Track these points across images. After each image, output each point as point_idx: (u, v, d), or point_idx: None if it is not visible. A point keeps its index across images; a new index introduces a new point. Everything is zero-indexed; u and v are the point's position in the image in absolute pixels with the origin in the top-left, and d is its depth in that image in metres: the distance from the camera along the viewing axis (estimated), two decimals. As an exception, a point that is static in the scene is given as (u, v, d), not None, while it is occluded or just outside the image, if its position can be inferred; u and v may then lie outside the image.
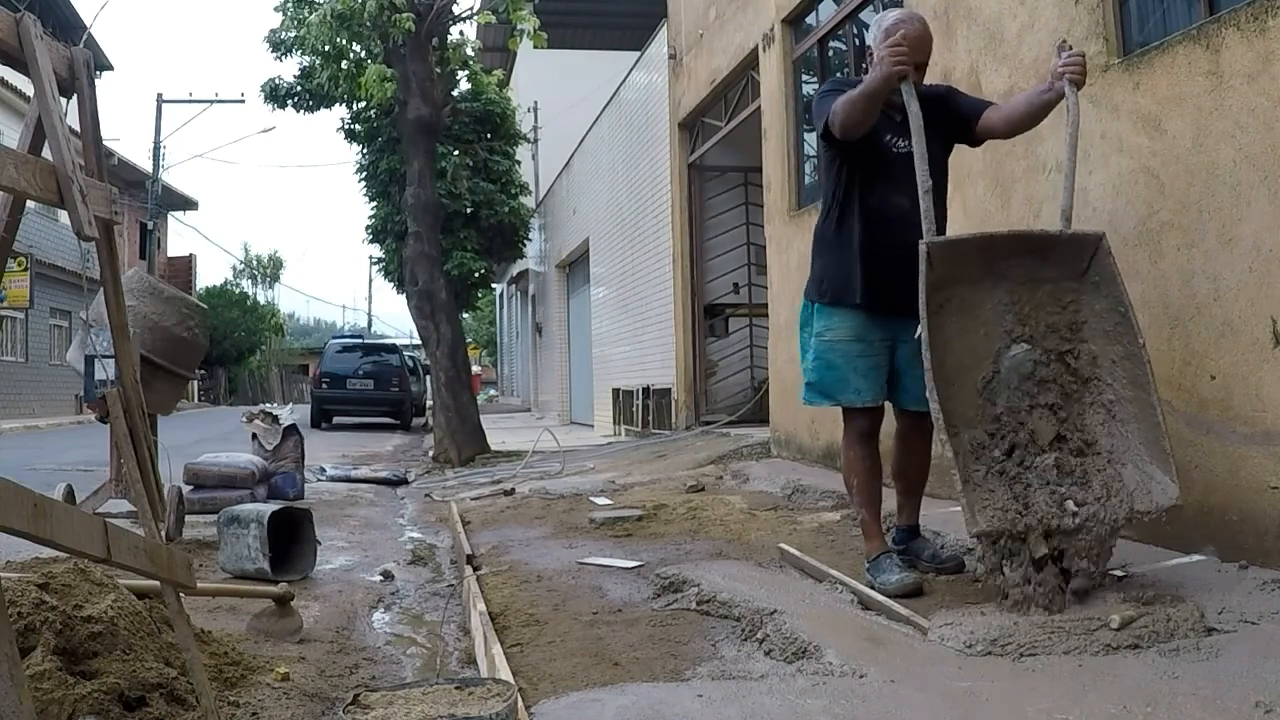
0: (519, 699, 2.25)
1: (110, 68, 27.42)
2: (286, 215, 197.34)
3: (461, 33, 13.90)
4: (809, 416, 6.62)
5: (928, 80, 3.45)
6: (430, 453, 11.88)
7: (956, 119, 3.41)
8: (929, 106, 3.31)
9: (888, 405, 3.50)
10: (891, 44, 3.08)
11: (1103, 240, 3.01)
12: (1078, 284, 3.00)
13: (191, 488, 5.73)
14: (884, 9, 6.09)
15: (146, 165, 28.99)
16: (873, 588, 3.19)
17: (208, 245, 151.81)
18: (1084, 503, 2.77)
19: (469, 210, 18.55)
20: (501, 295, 32.73)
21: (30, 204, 1.98)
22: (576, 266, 18.58)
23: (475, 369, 25.45)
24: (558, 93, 21.69)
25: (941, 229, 3.35)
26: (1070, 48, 3.14)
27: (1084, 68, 3.07)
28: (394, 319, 76.17)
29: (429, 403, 18.56)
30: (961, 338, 2.94)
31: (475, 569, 4.20)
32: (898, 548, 3.54)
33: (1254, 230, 3.06)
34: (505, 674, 2.57)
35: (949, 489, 4.15)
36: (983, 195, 4.60)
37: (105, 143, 2.20)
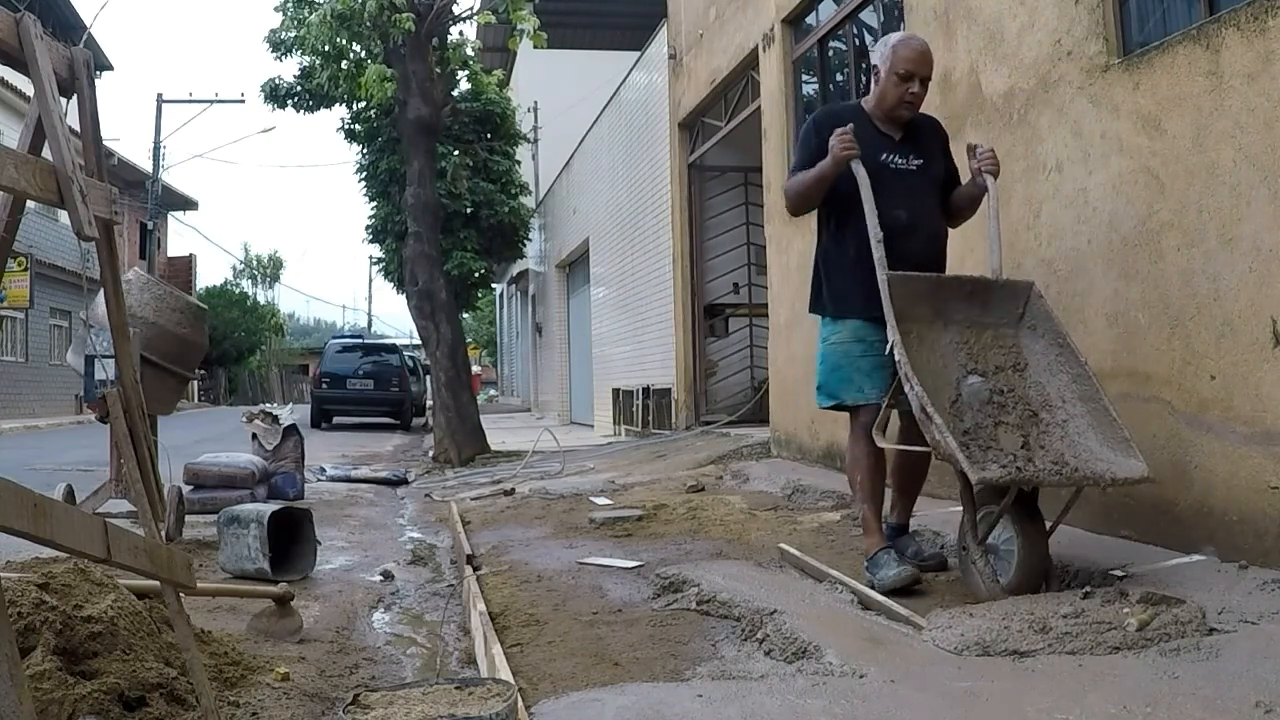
0: (519, 699, 2.25)
1: (110, 68, 27.42)
2: (286, 215, 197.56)
3: (461, 33, 13.92)
4: (809, 417, 6.62)
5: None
6: (430, 453, 11.87)
7: (941, 157, 3.72)
8: (924, 131, 3.69)
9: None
10: (841, 134, 3.43)
11: (1033, 287, 3.42)
12: (1015, 329, 3.36)
13: (191, 488, 5.72)
14: (883, 11, 6.10)
15: (146, 165, 29.01)
16: (871, 585, 3.23)
17: (208, 245, 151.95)
18: (1067, 463, 2.96)
19: (469, 210, 18.55)
20: (501, 295, 32.73)
21: (30, 204, 1.98)
22: (576, 266, 18.58)
23: (475, 369, 25.44)
24: (558, 93, 21.69)
25: (942, 244, 3.67)
26: (980, 145, 3.60)
27: (995, 160, 3.54)
28: (394, 319, 76.24)
29: (429, 403, 18.55)
30: (925, 366, 3.17)
31: (475, 569, 4.20)
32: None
33: (1254, 230, 3.06)
34: (505, 674, 2.57)
35: (949, 489, 4.16)
36: (983, 195, 4.60)
37: (105, 143, 2.19)
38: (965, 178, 3.70)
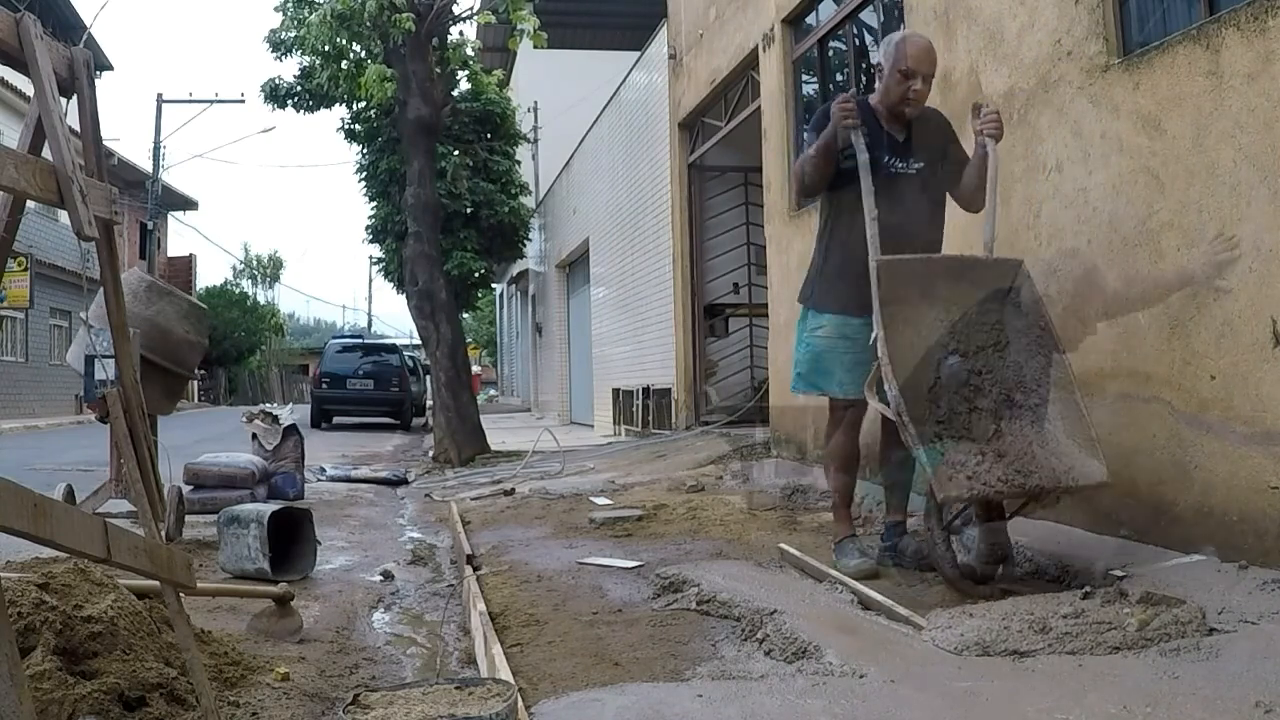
0: (519, 699, 2.25)
1: (110, 68, 27.41)
2: (286, 215, 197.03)
3: (461, 33, 13.91)
4: (809, 417, 6.62)
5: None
6: (430, 453, 11.87)
7: (945, 154, 3.75)
8: (928, 128, 3.73)
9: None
10: (841, 100, 3.48)
11: (1021, 265, 3.43)
12: (1000, 306, 3.37)
13: (191, 488, 5.72)
14: (883, 11, 6.10)
15: (146, 165, 29.00)
16: (834, 568, 3.46)
17: (208, 245, 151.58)
18: (1030, 473, 3.03)
19: (469, 210, 18.54)
20: (501, 295, 32.72)
21: (30, 204, 1.98)
22: (576, 266, 18.58)
23: (475, 369, 25.44)
24: (558, 93, 21.67)
25: (937, 242, 3.71)
26: (987, 105, 3.59)
27: (999, 123, 3.51)
28: (394, 319, 76.20)
29: (429, 403, 18.55)
30: (909, 350, 3.26)
31: (475, 569, 4.20)
32: (885, 545, 3.75)
33: (1254, 230, 3.05)
34: (505, 674, 2.56)
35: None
36: (983, 195, 4.60)
37: (105, 143, 2.19)
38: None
